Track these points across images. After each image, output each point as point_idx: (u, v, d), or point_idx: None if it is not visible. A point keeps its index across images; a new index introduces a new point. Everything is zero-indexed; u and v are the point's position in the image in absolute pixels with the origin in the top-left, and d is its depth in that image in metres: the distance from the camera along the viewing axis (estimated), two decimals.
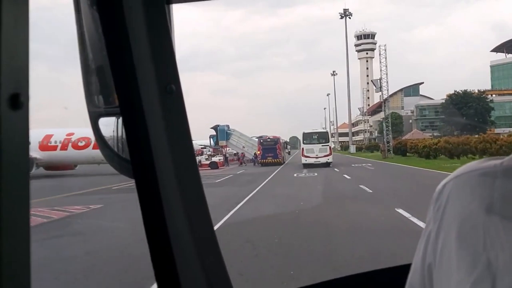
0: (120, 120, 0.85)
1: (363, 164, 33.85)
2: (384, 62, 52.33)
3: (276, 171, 30.74)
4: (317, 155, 33.27)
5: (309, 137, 35.14)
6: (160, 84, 0.80)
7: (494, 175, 0.56)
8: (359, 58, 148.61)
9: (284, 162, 44.29)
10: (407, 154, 43.40)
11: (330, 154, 34.02)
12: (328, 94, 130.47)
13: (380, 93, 51.18)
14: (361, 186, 17.05)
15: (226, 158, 43.85)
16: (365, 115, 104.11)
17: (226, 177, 26.45)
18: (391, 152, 43.90)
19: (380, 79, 50.13)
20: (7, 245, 0.47)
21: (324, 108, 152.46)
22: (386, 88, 53.40)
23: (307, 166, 32.47)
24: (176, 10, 0.88)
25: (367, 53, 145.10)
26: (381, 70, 51.92)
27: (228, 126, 49.54)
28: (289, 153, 79.82)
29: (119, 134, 0.87)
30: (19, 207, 0.49)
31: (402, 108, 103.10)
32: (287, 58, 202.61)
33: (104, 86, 0.88)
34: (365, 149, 77.22)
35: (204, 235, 0.87)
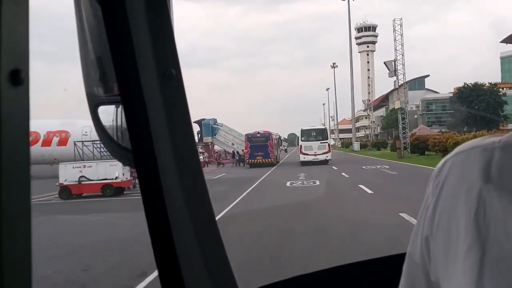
0: (120, 108, 0.84)
1: (377, 166, 26.62)
2: (400, 40, 41.50)
3: (265, 176, 24.14)
4: (315, 152, 32.16)
5: (307, 134, 33.82)
6: (159, 69, 0.79)
7: (493, 151, 0.58)
8: (359, 52, 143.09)
9: (277, 162, 37.64)
10: (425, 152, 36.05)
11: (329, 151, 32.81)
12: (327, 89, 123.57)
13: (394, 78, 42.63)
14: (401, 214, 9.20)
15: (215, 157, 39.66)
16: (370, 108, 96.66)
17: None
18: (408, 150, 36.24)
19: (395, 60, 41.67)
20: (7, 221, 0.46)
21: (323, 104, 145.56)
22: (403, 71, 43.11)
23: (305, 164, 30.81)
24: (175, 6, 0.91)
25: (368, 46, 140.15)
26: (395, 50, 41.48)
27: (215, 120, 42.14)
28: (285, 150, 72.57)
29: (119, 123, 0.87)
30: (20, 182, 0.49)
31: (407, 102, 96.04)
32: (286, 55, 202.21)
33: (103, 73, 0.87)
34: (370, 146, 69.80)
35: (205, 223, 0.86)
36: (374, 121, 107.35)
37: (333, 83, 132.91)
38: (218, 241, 0.88)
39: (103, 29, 0.77)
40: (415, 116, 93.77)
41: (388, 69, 41.87)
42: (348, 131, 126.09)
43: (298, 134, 35.71)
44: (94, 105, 0.87)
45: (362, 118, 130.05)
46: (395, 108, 50.42)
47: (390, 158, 35.29)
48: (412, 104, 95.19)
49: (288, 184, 18.46)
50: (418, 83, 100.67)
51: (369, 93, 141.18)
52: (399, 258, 0.69)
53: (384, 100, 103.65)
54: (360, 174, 21.76)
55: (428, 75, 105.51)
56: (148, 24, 0.77)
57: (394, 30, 39.89)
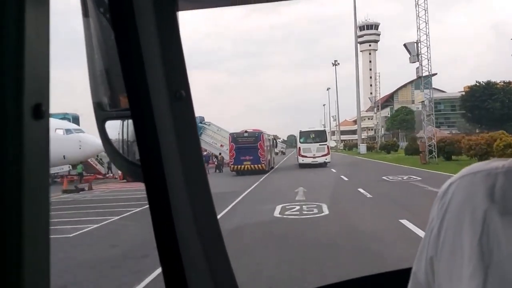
0: (126, 123, 0.89)
1: (404, 178, 19.38)
2: (424, 17, 32.36)
3: (247, 193, 17.03)
4: (314, 154, 31.21)
5: (305, 136, 32.85)
6: (170, 90, 0.82)
7: (496, 176, 0.59)
8: (361, 51, 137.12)
9: (271, 168, 31.11)
10: (452, 157, 29.17)
11: (328, 153, 31.73)
12: (328, 88, 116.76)
13: (415, 63, 35.20)
14: None
15: None
16: (377, 107, 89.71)
17: (129, 213, 12.71)
18: (435, 154, 29.08)
19: (417, 42, 33.85)
20: (29, 257, 0.49)
21: (324, 105, 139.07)
22: (427, 54, 34.13)
23: (304, 167, 29.99)
24: (180, 21, 0.88)
25: (370, 45, 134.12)
26: (419, 29, 32.79)
27: (202, 118, 35.10)
28: (283, 153, 66.56)
29: (125, 137, 0.91)
30: (40, 214, 0.51)
31: (413, 102, 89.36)
32: (287, 56, 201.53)
33: (111, 89, 0.89)
34: (378, 148, 62.77)
35: (211, 238, 0.89)
36: (378, 122, 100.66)
37: (334, 84, 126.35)
38: (223, 253, 0.91)
39: (111, 46, 0.80)
40: (422, 117, 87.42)
41: (409, 53, 33.89)
42: (350, 132, 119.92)
43: (297, 135, 34.08)
44: (101, 119, 0.89)
45: (365, 119, 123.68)
46: (416, 102, 43.15)
47: (411, 164, 28.36)
48: (418, 104, 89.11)
49: (277, 211, 11.29)
50: (424, 82, 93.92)
51: (371, 93, 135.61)
52: (405, 273, 0.70)
53: (389, 100, 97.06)
54: (387, 191, 14.81)
55: (436, 74, 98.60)
56: (160, 46, 0.80)
57: (417, 4, 32.19)
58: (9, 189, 0.48)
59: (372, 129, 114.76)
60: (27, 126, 0.48)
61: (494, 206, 0.57)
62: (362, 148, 60.15)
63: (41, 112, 0.49)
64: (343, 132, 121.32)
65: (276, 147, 46.38)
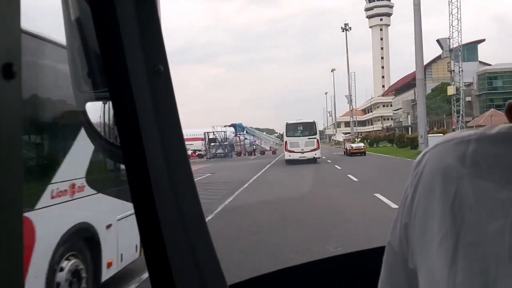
0: (107, 105, 0.87)
1: None
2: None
3: None
4: (302, 149, 28.79)
5: (293, 129, 30.17)
6: (148, 65, 0.81)
7: (468, 142, 0.60)
8: (370, 27, 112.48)
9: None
10: None
11: (318, 148, 29.47)
12: (332, 70, 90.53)
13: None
14: None
15: None
16: (394, 91, 64.09)
17: None
18: None
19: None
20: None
21: (326, 93, 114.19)
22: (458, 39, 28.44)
23: (291, 163, 27.73)
24: (173, 1, 0.43)
25: (381, 19, 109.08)
26: (451, 14, 30.88)
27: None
28: (274, 152, 50.28)
29: (106, 119, 0.89)
30: (11, 175, 0.49)
31: (452, 79, 64.02)
32: (286, 50, 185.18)
33: (91, 70, 0.88)
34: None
35: (192, 219, 0.88)
36: (401, 108, 75.27)
37: (337, 75, 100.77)
38: (206, 236, 0.89)
39: (89, 26, 0.79)
40: (469, 98, 62.13)
41: (442, 48, 31.35)
42: (360, 124, 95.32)
43: (284, 129, 30.90)
44: (82, 101, 0.88)
45: (379, 106, 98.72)
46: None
47: None
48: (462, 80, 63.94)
49: None
50: (468, 51, 68.11)
51: (383, 77, 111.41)
52: (382, 251, 0.71)
53: (411, 82, 71.50)
54: None
55: (484, 40, 71.87)
56: (137, 21, 0.79)
57: None
58: None
59: (389, 119, 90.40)
60: None
61: (465, 171, 0.58)
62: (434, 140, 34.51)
63: (12, 72, 0.48)
64: (346, 124, 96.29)
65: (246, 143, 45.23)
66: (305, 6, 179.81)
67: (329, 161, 30.13)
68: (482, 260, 0.53)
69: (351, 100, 76.56)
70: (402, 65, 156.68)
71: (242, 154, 50.72)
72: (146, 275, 4.57)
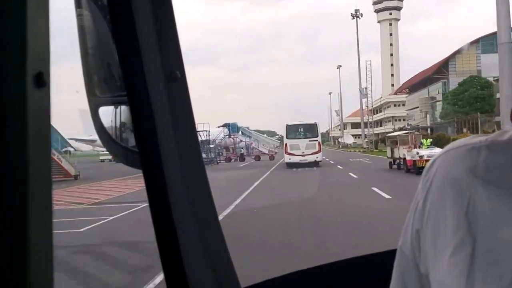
0: (119, 109, 0.89)
1: None
2: None
3: None
4: (303, 152, 27.45)
5: (294, 131, 29.01)
6: (165, 71, 0.82)
7: (479, 149, 0.61)
8: (379, 21, 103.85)
9: None
10: None
11: (320, 151, 28.18)
12: (338, 66, 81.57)
13: None
14: None
15: None
16: (407, 88, 54.92)
17: None
18: None
19: None
20: (30, 218, 0.49)
21: (330, 93, 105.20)
22: None
23: (292, 166, 25.93)
24: (176, 4, 0.87)
25: (390, 14, 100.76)
26: None
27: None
28: (271, 157, 40.07)
29: (118, 123, 0.90)
30: (42, 182, 0.51)
31: (479, 72, 54.83)
32: (288, 52, 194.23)
33: (104, 75, 0.89)
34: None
35: (208, 223, 0.90)
36: (418, 107, 66.03)
37: (342, 76, 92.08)
38: (221, 239, 0.91)
39: (104, 30, 0.81)
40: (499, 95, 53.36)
41: None
42: (367, 125, 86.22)
43: (284, 130, 29.14)
44: (95, 106, 0.88)
45: (390, 106, 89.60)
46: None
47: None
48: (488, 74, 54.85)
49: None
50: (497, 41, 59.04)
51: (392, 75, 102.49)
52: (392, 254, 0.72)
53: (440, 70, 62.17)
54: None
55: None
56: (154, 26, 0.80)
57: None
58: (13, 157, 0.49)
59: (401, 119, 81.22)
60: (29, 94, 0.49)
61: (478, 179, 0.58)
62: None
63: (42, 81, 0.50)
64: (355, 125, 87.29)
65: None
66: (308, 8, 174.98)
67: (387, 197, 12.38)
68: (498, 266, 0.54)
69: (366, 94, 67.07)
70: (412, 63, 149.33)
71: (233, 160, 41.25)
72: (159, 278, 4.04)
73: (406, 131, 25.67)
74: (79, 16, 0.83)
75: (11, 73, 0.49)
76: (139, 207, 11.07)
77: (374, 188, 13.90)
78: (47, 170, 0.52)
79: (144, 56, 0.77)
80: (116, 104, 0.88)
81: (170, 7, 0.82)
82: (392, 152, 22.63)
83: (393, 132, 32.61)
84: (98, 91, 0.88)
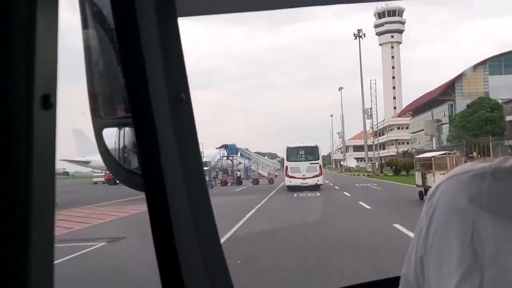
0: (123, 131, 0.90)
1: None
2: None
3: None
4: (304, 175, 26.71)
5: (294, 154, 28.36)
6: (170, 93, 0.83)
7: (483, 176, 0.60)
8: (380, 44, 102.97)
9: None
10: None
11: (321, 174, 27.32)
12: (340, 88, 79.87)
13: None
14: None
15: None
16: (411, 111, 52.80)
17: None
18: None
19: None
20: (34, 241, 0.50)
21: (331, 115, 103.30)
22: None
23: (292, 189, 25.19)
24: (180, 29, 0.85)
25: (392, 36, 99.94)
26: None
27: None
28: (270, 180, 37.22)
29: (122, 145, 0.91)
30: (45, 202, 0.52)
31: (487, 94, 52.80)
32: (289, 76, 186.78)
33: (109, 96, 0.90)
34: None
35: (210, 247, 0.90)
36: (423, 129, 63.77)
37: (343, 99, 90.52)
38: (223, 263, 0.92)
39: (110, 51, 0.82)
40: (510, 118, 50.78)
41: None
42: (370, 148, 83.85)
43: (284, 153, 28.52)
44: (99, 127, 0.88)
45: (393, 129, 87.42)
46: None
47: None
48: (496, 97, 52.78)
49: None
50: (505, 62, 57.18)
51: (394, 98, 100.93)
52: (396, 281, 0.71)
53: (446, 92, 60.07)
54: None
55: None
56: (161, 49, 0.82)
57: None
58: (19, 177, 0.49)
59: (404, 142, 78.92)
60: (36, 115, 0.49)
61: (482, 207, 0.57)
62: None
63: (49, 103, 0.51)
64: (357, 148, 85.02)
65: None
66: (308, 33, 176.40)
67: None
68: None
69: (371, 114, 64.80)
70: (413, 86, 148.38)
71: (229, 183, 38.58)
72: None
73: (443, 152, 20.46)
74: (86, 37, 0.83)
75: (19, 94, 0.49)
76: (88, 249, 8.50)
77: (397, 225, 10.51)
78: (51, 191, 0.52)
79: (150, 76, 0.77)
80: (120, 125, 0.88)
81: (177, 31, 0.83)
82: (424, 179, 17.13)
83: (396, 155, 29.36)
84: (103, 112, 0.88)
